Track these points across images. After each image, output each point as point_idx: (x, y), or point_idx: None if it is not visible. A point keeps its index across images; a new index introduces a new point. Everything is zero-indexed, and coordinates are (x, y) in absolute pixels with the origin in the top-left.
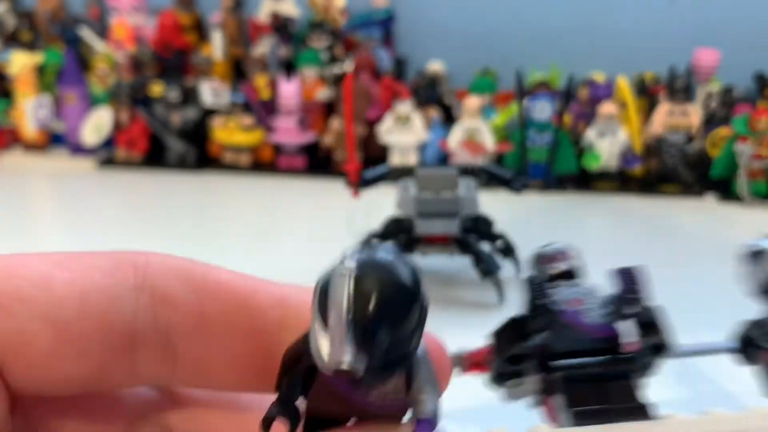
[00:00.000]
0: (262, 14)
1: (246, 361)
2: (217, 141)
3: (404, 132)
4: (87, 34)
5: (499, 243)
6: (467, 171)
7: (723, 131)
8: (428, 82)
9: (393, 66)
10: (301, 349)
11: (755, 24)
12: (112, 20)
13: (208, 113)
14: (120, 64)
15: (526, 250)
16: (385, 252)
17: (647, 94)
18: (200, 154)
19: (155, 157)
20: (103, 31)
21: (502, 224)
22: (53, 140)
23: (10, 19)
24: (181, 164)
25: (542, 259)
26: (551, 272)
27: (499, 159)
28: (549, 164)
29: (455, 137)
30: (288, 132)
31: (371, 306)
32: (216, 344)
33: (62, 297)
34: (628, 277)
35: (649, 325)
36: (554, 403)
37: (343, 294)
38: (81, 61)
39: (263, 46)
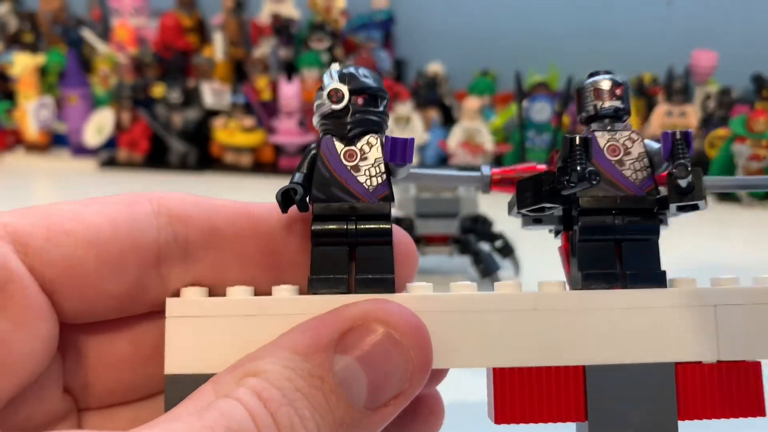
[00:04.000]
0: (263, 16)
1: (255, 260)
2: (218, 142)
3: (404, 133)
4: (89, 35)
5: (498, 243)
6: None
7: (721, 132)
8: (428, 83)
9: (393, 67)
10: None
11: (753, 25)
12: (114, 22)
13: (210, 114)
14: (122, 66)
15: (525, 250)
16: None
17: (645, 95)
18: (201, 154)
19: (156, 157)
20: (105, 33)
21: (501, 224)
22: (55, 141)
23: (13, 20)
24: (183, 165)
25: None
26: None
27: (499, 160)
28: None
29: (455, 138)
30: (288, 133)
31: (352, 69)
32: (228, 249)
33: (96, 224)
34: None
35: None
36: (570, 241)
37: (332, 70)
38: (83, 62)
39: (264, 48)
